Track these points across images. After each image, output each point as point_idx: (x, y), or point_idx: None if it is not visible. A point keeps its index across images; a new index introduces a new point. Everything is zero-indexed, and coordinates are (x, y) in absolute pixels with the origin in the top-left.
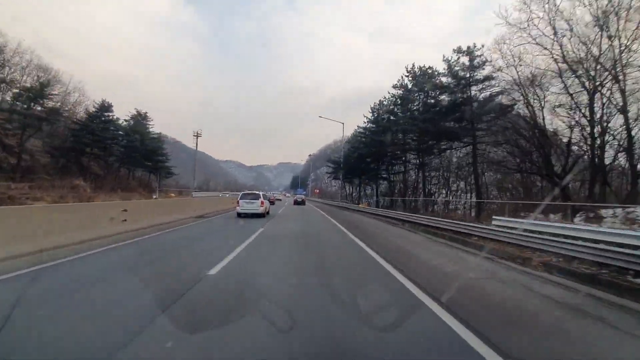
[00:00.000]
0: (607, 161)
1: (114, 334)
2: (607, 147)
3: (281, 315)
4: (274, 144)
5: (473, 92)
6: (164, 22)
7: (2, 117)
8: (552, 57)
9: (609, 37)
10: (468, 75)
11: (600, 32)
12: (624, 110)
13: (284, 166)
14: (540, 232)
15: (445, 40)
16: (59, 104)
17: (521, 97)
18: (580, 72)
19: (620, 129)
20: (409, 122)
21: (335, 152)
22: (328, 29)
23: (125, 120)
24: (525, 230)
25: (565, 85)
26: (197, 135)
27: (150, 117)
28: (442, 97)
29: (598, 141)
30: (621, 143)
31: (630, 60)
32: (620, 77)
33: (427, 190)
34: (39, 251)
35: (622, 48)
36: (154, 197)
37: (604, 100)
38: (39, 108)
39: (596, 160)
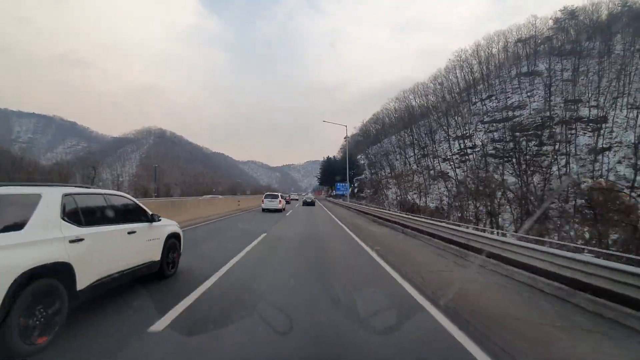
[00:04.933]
0: None
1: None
2: None
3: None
4: (301, 143)
5: None
6: (190, 32)
7: None
8: None
9: None
10: None
11: None
12: None
13: (312, 164)
14: None
15: (473, 27)
16: None
17: None
18: None
19: None
20: None
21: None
22: (351, 26)
23: None
24: None
25: None
26: None
27: None
28: None
29: None
30: None
31: None
32: None
33: None
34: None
35: None
36: None
37: None
38: None
39: None
